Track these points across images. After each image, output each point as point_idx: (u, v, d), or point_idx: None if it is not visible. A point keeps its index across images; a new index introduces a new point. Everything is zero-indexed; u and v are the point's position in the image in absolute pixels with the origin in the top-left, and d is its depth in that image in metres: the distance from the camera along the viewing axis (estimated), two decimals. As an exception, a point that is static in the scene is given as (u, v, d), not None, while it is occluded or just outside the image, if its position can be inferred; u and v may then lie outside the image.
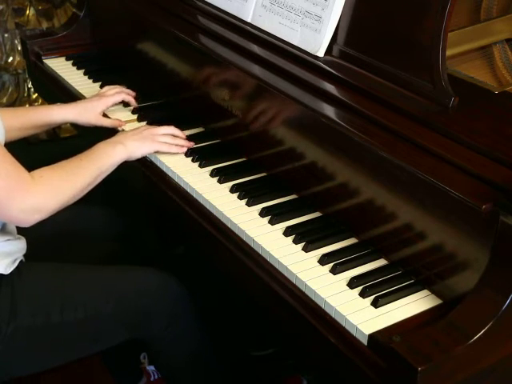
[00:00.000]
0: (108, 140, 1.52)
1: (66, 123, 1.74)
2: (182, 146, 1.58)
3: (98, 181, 1.44)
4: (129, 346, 1.64)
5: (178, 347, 1.54)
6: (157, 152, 1.57)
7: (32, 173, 1.32)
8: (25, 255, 1.43)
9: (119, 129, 1.70)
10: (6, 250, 1.37)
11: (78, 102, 1.76)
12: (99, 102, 1.71)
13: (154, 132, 1.57)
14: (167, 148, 1.56)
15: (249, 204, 1.40)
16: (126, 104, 1.81)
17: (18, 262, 1.39)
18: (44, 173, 1.34)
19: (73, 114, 1.67)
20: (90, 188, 1.42)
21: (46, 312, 1.36)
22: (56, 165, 1.38)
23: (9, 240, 1.39)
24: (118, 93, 1.77)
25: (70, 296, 1.40)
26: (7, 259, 1.36)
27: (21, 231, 1.44)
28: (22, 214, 1.29)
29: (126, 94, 1.78)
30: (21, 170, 1.29)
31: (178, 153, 1.57)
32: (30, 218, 1.31)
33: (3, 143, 1.33)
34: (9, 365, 1.37)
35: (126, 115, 1.78)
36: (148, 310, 1.46)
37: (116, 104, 1.77)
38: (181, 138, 1.60)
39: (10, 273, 1.37)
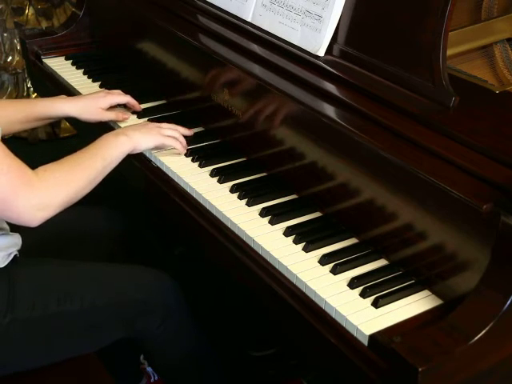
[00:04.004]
0: (112, 132, 1.51)
1: (67, 117, 1.73)
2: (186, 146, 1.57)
3: (104, 173, 1.41)
4: (128, 347, 1.64)
5: (173, 345, 1.54)
6: (158, 151, 1.57)
7: (35, 170, 1.30)
8: (24, 255, 1.43)
9: (121, 125, 1.70)
10: (1, 243, 1.37)
11: (82, 96, 1.75)
12: (105, 99, 1.69)
13: (160, 125, 1.56)
14: (173, 142, 1.55)
15: (249, 204, 1.40)
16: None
17: (12, 255, 1.39)
18: (48, 168, 1.32)
19: (76, 110, 1.65)
20: (96, 181, 1.40)
21: (44, 303, 1.36)
22: (60, 160, 1.36)
23: (3, 234, 1.39)
24: (124, 94, 1.74)
25: (67, 288, 1.40)
26: (2, 252, 1.37)
27: (18, 229, 1.44)
28: (28, 212, 1.26)
29: (131, 98, 1.76)
30: (23, 166, 1.27)
31: (181, 151, 1.56)
32: (37, 216, 1.28)
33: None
34: (6, 359, 1.37)
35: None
36: (143, 306, 1.46)
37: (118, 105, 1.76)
38: (186, 135, 1.60)
39: (6, 266, 1.37)
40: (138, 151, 1.51)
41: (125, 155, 1.46)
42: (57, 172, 1.32)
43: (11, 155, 1.26)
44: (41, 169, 1.31)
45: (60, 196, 1.31)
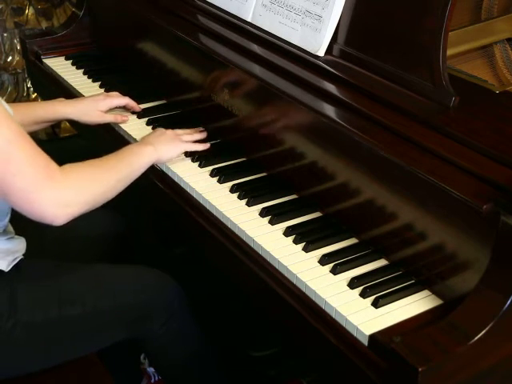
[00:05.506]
0: (136, 142, 1.54)
1: (67, 120, 1.73)
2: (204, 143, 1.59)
3: (128, 180, 1.40)
4: (129, 347, 1.63)
5: (175, 345, 1.54)
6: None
7: (61, 166, 1.27)
8: (25, 255, 1.43)
9: (122, 126, 1.69)
10: (8, 247, 1.37)
11: (81, 99, 1.75)
12: (104, 102, 1.69)
13: (176, 132, 1.56)
14: (194, 147, 1.56)
15: (249, 204, 1.40)
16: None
17: (17, 260, 1.39)
18: (74, 165, 1.30)
19: (75, 113, 1.66)
20: (121, 186, 1.38)
21: (45, 307, 1.35)
22: (84, 162, 1.33)
23: (11, 238, 1.39)
24: (122, 97, 1.74)
25: (68, 291, 1.39)
26: (9, 257, 1.36)
27: (21, 232, 1.44)
28: (51, 206, 1.22)
29: (130, 100, 1.76)
30: (48, 159, 1.25)
31: (203, 150, 1.57)
32: (62, 212, 1.24)
33: None
34: (8, 362, 1.37)
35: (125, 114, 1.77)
36: (145, 307, 1.46)
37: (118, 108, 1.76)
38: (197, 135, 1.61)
39: (9, 270, 1.36)
40: (162, 162, 1.52)
41: (149, 165, 1.46)
42: (83, 172, 1.30)
43: (38, 148, 1.24)
44: (67, 166, 1.28)
45: (85, 193, 1.29)
